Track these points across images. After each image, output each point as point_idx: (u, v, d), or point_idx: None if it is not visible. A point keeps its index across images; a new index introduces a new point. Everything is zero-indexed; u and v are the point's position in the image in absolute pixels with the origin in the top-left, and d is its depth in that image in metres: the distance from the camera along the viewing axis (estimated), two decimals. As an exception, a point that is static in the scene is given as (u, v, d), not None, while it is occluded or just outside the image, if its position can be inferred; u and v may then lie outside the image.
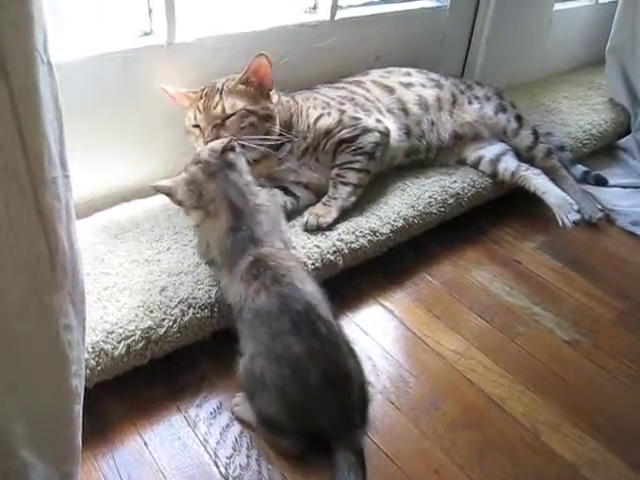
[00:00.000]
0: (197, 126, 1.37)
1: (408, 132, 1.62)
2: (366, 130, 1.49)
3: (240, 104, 1.36)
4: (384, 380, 1.23)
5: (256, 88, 1.39)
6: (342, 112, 1.50)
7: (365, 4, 1.79)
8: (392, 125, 1.57)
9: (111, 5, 1.36)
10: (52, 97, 0.70)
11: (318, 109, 1.50)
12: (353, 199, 1.47)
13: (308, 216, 1.41)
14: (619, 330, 1.41)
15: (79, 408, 0.86)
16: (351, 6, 1.75)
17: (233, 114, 1.35)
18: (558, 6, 2.33)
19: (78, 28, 1.34)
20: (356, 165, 1.47)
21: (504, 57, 2.19)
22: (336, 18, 1.68)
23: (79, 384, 0.84)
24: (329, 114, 1.49)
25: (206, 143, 1.31)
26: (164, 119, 1.46)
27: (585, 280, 1.56)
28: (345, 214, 1.45)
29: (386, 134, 1.53)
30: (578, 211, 1.62)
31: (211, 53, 1.47)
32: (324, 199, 1.46)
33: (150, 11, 1.38)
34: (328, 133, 1.47)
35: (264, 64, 1.36)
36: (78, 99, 1.31)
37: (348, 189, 1.46)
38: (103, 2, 1.34)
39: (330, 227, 1.40)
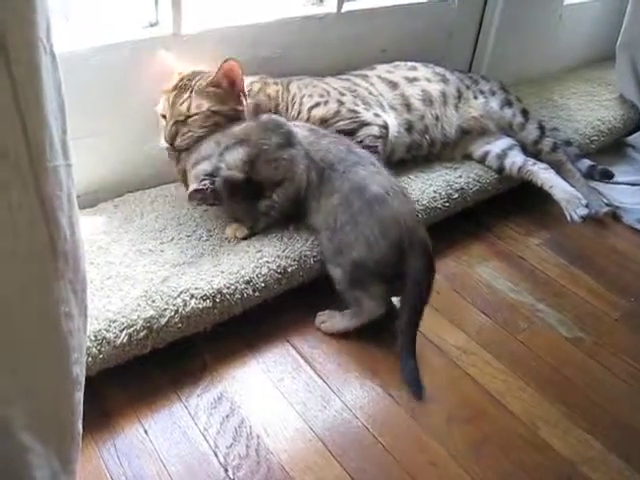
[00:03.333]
0: (164, 116, 1.39)
1: (409, 127, 1.61)
2: (364, 124, 1.49)
3: (206, 105, 1.36)
4: (383, 373, 1.23)
5: (226, 90, 1.38)
6: (341, 103, 1.51)
7: (373, -3, 1.78)
8: (392, 121, 1.57)
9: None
10: (55, 87, 0.70)
11: (315, 97, 1.50)
12: None
13: None
14: (622, 329, 1.41)
15: (80, 395, 0.86)
16: (358, -2, 1.74)
17: (196, 114, 1.36)
18: (568, 0, 2.30)
19: (85, 18, 1.35)
20: None
21: (513, 52, 2.17)
22: (343, 10, 1.67)
23: (80, 371, 0.85)
24: (326, 103, 1.49)
25: (166, 138, 1.36)
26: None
27: (589, 278, 1.56)
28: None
29: (385, 127, 1.52)
30: (586, 206, 1.60)
31: (217, 44, 1.46)
32: None
33: (156, 1, 1.38)
34: (324, 122, 1.47)
35: (234, 68, 1.36)
36: (86, 89, 1.32)
37: None
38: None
39: None
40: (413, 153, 1.65)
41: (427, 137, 1.64)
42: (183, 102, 1.35)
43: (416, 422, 1.14)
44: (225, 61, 1.34)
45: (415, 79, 1.68)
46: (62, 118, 0.73)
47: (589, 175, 1.84)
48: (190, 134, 1.36)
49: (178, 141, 1.36)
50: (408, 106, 1.62)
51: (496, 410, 1.18)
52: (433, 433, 1.13)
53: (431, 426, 1.14)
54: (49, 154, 0.69)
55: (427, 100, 1.65)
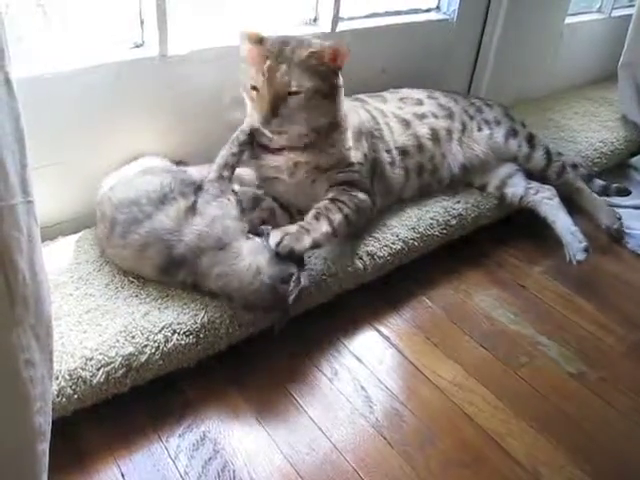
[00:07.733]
0: (256, 88, 1.27)
1: (420, 171, 1.57)
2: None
3: (308, 83, 1.25)
4: (377, 413, 1.17)
5: (328, 67, 1.28)
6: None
7: (367, 16, 1.73)
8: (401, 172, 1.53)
9: (103, 16, 1.31)
10: (12, 118, 0.65)
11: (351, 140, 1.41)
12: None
13: None
14: (629, 363, 1.34)
15: (44, 446, 0.80)
16: (353, 18, 1.69)
17: (298, 92, 1.25)
18: (569, 19, 2.27)
19: (69, 39, 1.30)
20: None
21: (513, 71, 2.13)
22: (337, 30, 1.63)
23: (44, 421, 0.79)
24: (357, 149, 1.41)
25: (264, 118, 1.26)
26: (155, 131, 1.43)
27: (594, 308, 1.49)
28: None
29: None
30: (586, 249, 1.52)
31: (205, 66, 1.42)
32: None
33: (142, 22, 1.34)
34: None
35: (344, 55, 1.28)
36: (69, 112, 1.28)
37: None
38: (95, 13, 1.30)
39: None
40: (424, 191, 1.61)
41: (436, 177, 1.61)
42: (282, 76, 1.24)
43: (410, 467, 1.07)
44: (337, 45, 1.28)
45: (424, 115, 1.62)
46: (21, 151, 0.67)
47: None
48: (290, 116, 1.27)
49: (275, 123, 1.27)
50: (420, 147, 1.57)
51: (495, 453, 1.11)
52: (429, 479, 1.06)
53: (426, 471, 1.07)
54: (3, 192, 0.63)
55: (435, 139, 1.60)
